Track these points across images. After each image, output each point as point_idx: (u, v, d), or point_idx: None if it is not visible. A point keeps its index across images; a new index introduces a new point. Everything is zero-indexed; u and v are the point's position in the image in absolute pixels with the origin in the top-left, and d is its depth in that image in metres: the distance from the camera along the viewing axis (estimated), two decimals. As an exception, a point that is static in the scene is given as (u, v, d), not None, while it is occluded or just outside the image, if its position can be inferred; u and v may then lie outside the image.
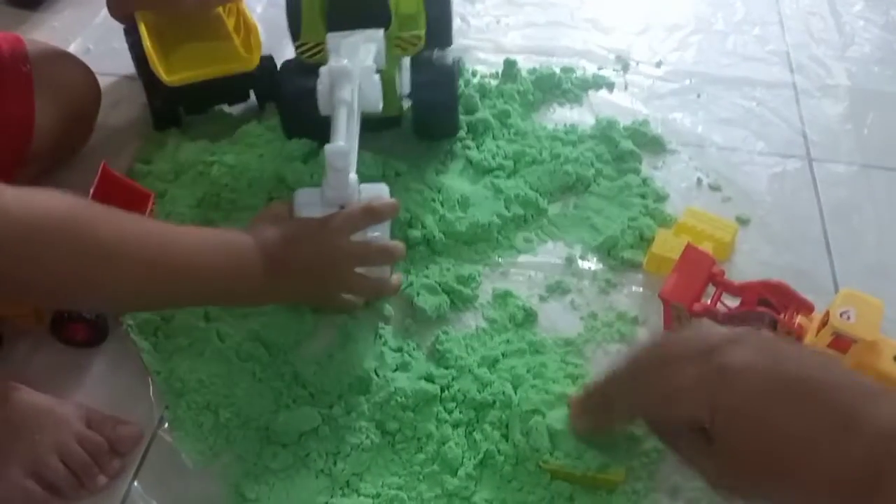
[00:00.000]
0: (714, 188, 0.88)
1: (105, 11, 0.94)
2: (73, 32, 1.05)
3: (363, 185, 0.71)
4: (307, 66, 0.79)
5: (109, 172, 0.69)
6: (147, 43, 0.86)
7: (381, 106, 0.72)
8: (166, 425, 0.66)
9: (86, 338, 0.71)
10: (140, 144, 0.90)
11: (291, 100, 0.83)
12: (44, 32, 1.06)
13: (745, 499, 0.53)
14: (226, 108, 0.94)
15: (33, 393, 0.64)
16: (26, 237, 0.51)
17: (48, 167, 0.84)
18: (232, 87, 0.91)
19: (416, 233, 0.79)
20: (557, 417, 0.64)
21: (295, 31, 0.81)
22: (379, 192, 0.73)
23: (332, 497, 0.62)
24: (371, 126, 0.72)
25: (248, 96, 0.94)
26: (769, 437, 0.50)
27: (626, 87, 1.00)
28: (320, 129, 0.71)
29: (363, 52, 0.73)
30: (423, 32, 0.81)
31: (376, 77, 0.72)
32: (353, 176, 0.69)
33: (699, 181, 0.89)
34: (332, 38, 0.75)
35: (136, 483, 0.63)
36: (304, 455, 0.64)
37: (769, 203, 0.86)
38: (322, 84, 0.70)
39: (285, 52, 0.89)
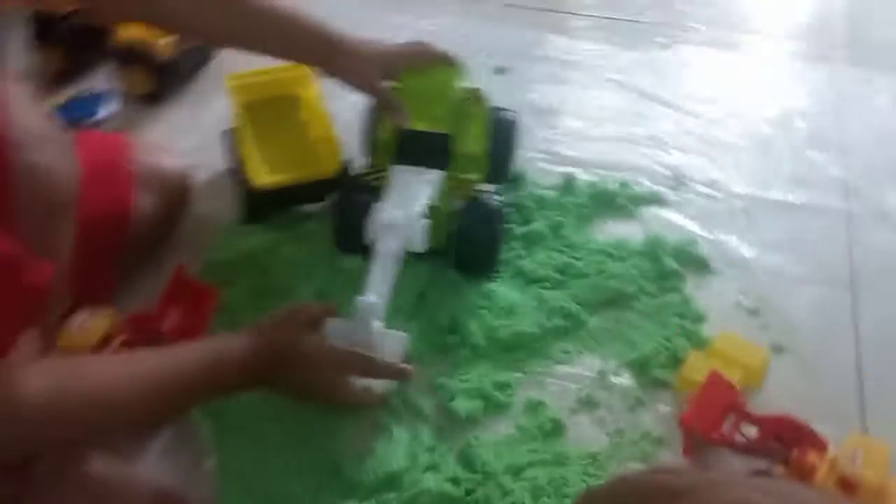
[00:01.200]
0: (753, 313, 0.91)
1: (216, 108, 1.07)
2: (186, 129, 1.18)
3: (386, 332, 0.78)
4: (370, 184, 0.89)
5: (181, 275, 0.80)
6: (242, 150, 0.98)
7: (424, 247, 0.81)
8: None
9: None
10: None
11: (346, 214, 0.91)
12: (161, 126, 1.20)
13: None
14: (306, 208, 1.04)
15: (110, 464, 0.73)
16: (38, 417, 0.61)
17: (144, 253, 0.96)
18: (312, 190, 1.01)
19: (455, 338, 0.86)
20: None
21: (367, 153, 0.92)
22: (398, 342, 0.79)
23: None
24: (416, 254, 0.82)
25: (324, 198, 1.04)
26: None
27: (678, 205, 1.05)
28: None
29: (416, 196, 0.82)
30: (480, 178, 0.90)
31: (423, 223, 0.81)
32: (377, 324, 0.76)
33: (739, 304, 0.92)
34: (395, 171, 0.85)
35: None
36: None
37: (806, 332, 0.89)
38: (371, 222, 0.79)
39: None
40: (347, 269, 0.92)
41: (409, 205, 0.82)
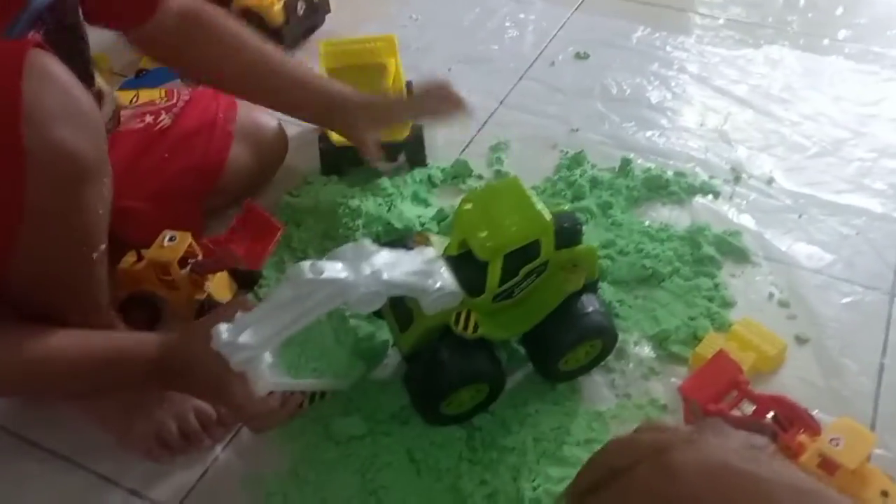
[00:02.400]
0: (783, 304, 0.94)
1: (320, 72, 1.18)
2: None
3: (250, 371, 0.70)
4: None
5: (251, 207, 0.91)
6: None
7: (364, 310, 0.73)
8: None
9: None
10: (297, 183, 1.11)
11: None
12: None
13: None
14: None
15: None
16: None
17: (237, 198, 1.08)
18: (387, 150, 1.10)
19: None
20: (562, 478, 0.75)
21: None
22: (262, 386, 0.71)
23: (360, 494, 0.77)
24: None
25: (397, 158, 1.13)
26: None
27: (730, 198, 1.08)
28: None
29: (393, 270, 0.73)
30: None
31: (373, 288, 0.71)
32: (242, 360, 0.69)
33: (771, 295, 0.95)
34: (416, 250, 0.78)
35: (230, 444, 0.83)
36: (348, 455, 0.80)
37: (833, 328, 0.91)
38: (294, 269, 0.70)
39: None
40: (405, 223, 1.01)
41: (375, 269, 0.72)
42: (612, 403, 0.85)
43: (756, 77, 1.28)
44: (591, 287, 0.84)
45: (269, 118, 1.11)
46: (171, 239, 0.90)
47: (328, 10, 1.43)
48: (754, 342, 0.86)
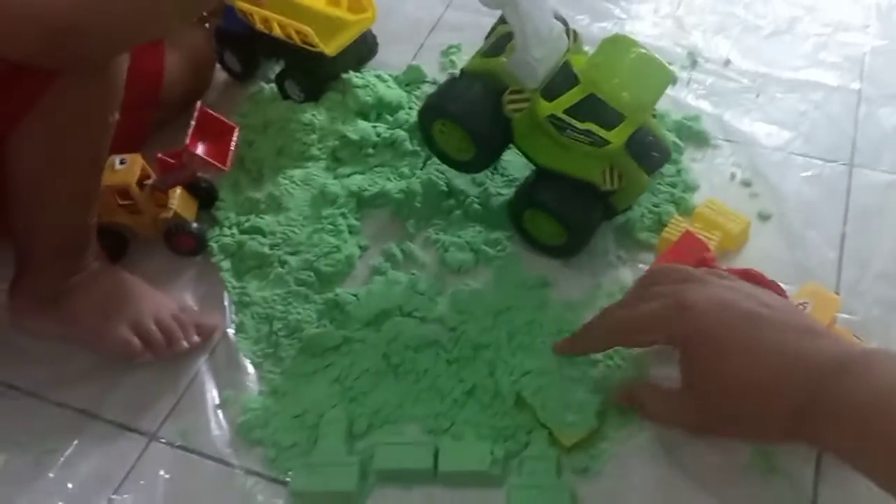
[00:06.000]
0: (745, 183, 0.94)
1: None
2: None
3: None
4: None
5: (204, 110, 0.88)
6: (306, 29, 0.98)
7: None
8: (233, 328, 0.84)
9: (190, 248, 0.90)
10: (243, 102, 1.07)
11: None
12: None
13: (721, 435, 0.64)
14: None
15: (143, 283, 0.85)
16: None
17: (177, 111, 1.04)
18: (350, 55, 1.03)
19: (452, 201, 0.93)
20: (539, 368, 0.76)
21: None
22: None
23: (340, 402, 0.77)
24: None
25: (359, 66, 1.08)
26: (721, 364, 0.59)
27: (688, 83, 1.07)
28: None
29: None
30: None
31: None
32: None
33: (733, 176, 0.95)
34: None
35: (204, 366, 0.82)
36: (325, 366, 0.80)
37: (795, 202, 0.92)
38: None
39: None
40: (360, 135, 0.98)
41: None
42: (583, 294, 0.85)
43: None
44: (609, 204, 0.83)
45: (198, 25, 1.07)
46: (121, 162, 0.87)
47: None
48: (719, 221, 0.87)
